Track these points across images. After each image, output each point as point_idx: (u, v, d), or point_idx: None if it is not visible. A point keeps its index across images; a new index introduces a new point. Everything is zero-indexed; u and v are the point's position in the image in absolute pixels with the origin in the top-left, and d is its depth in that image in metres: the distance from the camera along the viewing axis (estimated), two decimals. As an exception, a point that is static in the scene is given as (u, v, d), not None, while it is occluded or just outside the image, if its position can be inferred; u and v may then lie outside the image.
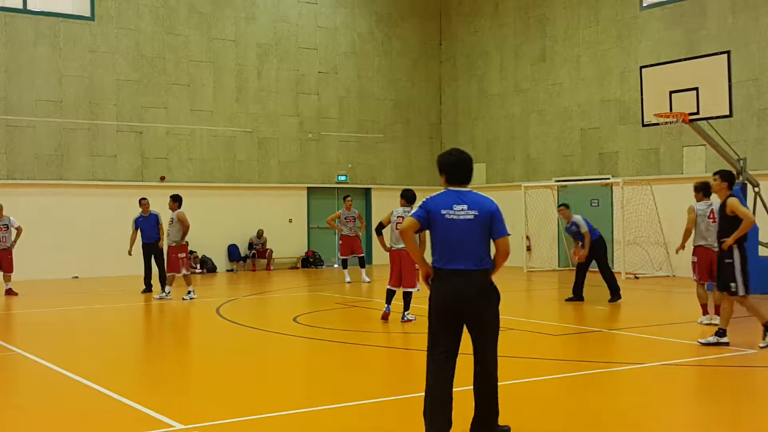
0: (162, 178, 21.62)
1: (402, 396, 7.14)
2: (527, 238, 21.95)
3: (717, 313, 11.00)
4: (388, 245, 11.79)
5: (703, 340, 9.37)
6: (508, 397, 6.05)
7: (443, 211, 5.32)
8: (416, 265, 11.41)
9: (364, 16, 25.17)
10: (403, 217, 11.44)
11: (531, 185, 22.12)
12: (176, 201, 14.97)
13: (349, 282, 18.01)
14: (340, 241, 18.68)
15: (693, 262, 11.01)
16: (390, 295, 11.72)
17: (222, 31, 22.77)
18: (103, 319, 12.95)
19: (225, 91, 22.80)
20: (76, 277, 20.24)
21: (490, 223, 5.35)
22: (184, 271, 14.87)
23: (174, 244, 14.81)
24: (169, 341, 11.16)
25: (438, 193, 5.46)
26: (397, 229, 11.54)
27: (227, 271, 22.50)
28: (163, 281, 15.60)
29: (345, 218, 18.25)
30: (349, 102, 24.80)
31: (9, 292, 15.87)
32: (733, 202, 9.18)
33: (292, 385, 7.82)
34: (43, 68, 20.36)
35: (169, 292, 14.96)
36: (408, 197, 11.56)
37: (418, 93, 26.04)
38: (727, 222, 9.19)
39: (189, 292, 14.84)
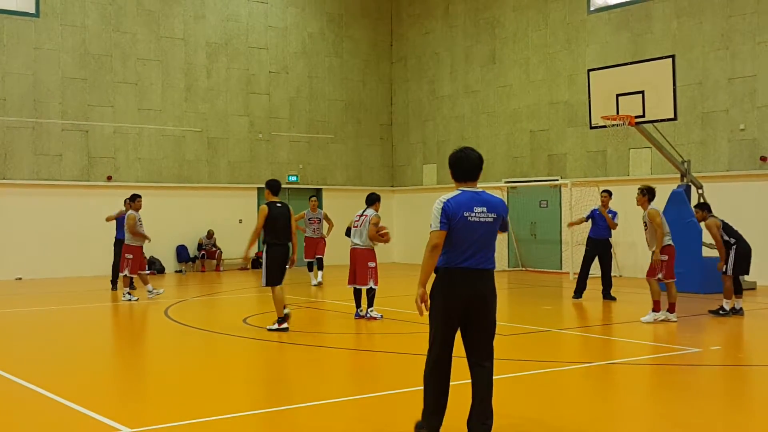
0: (109, 178, 21.25)
1: (353, 397, 7.13)
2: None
3: (670, 310, 11.32)
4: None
5: (270, 327, 10.62)
6: (455, 396, 6.09)
7: (465, 214, 5.39)
8: (371, 264, 11.58)
9: (315, 16, 25.10)
10: (358, 218, 11.85)
11: (481, 186, 22.28)
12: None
13: (316, 284, 17.29)
14: (304, 244, 17.66)
15: (663, 260, 11.28)
16: (355, 295, 11.92)
17: (170, 30, 22.48)
18: (48, 322, 12.67)
19: (174, 90, 22.51)
20: (20, 279, 19.78)
21: (501, 222, 5.60)
22: (126, 273, 14.92)
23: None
24: (115, 343, 10.97)
25: (453, 194, 5.50)
26: (354, 227, 11.82)
27: (176, 272, 22.22)
28: None
29: (309, 219, 17.41)
30: (300, 102, 24.71)
31: None
32: (261, 209, 10.66)
33: (241, 387, 7.75)
34: (-15, 65, 19.86)
35: (130, 293, 14.98)
36: (367, 199, 11.97)
37: (369, 94, 26.07)
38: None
39: (128, 293, 14.90)
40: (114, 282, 16.67)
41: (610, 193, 14.47)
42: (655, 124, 15.60)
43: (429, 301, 5.45)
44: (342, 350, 9.81)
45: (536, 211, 22.00)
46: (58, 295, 16.05)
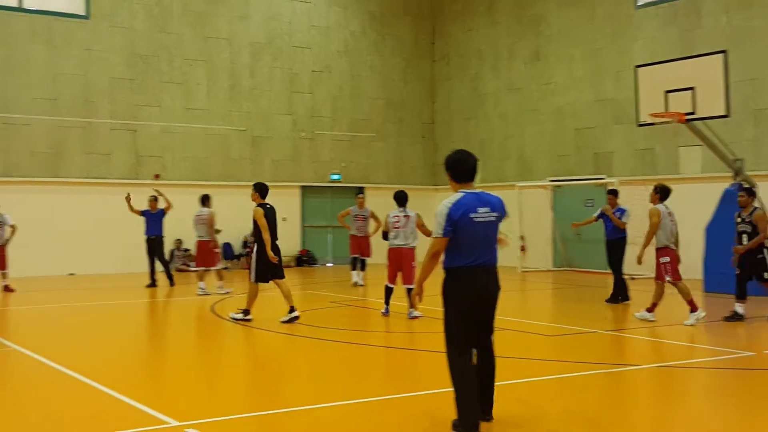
0: (156, 176, 21.56)
1: (398, 395, 7.11)
2: (522, 238, 21.94)
3: (650, 309, 11.37)
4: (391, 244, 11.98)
5: (234, 315, 11.54)
6: (501, 397, 6.06)
7: (471, 215, 5.64)
8: (413, 263, 11.73)
9: (357, 15, 25.14)
10: (398, 217, 11.81)
11: (525, 185, 22.13)
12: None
13: (357, 284, 16.80)
14: (349, 241, 17.19)
15: (665, 262, 11.16)
16: (388, 293, 11.91)
17: (216, 30, 22.72)
18: (99, 316, 12.90)
19: (219, 90, 22.76)
20: (72, 274, 20.18)
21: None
22: (220, 266, 16.02)
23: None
24: (163, 338, 11.12)
25: (456, 197, 5.72)
26: (396, 228, 11.79)
27: (222, 269, 22.39)
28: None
29: (354, 216, 16.85)
30: (342, 101, 24.78)
31: (6, 289, 15.89)
32: (256, 212, 11.45)
33: (285, 383, 7.79)
34: (39, 66, 20.31)
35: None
36: (399, 198, 11.93)
37: (411, 92, 26.03)
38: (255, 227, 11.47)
39: (220, 287, 15.67)
40: (153, 278, 16.76)
41: (615, 194, 14.09)
42: (706, 121, 15.27)
43: (423, 295, 5.94)
44: (385, 348, 9.80)
45: (582, 210, 21.66)
46: (108, 291, 16.34)
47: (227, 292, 15.25)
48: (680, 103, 14.90)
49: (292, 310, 11.24)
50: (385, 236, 12.08)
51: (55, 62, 20.52)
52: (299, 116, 24.01)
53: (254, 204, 11.66)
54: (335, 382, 7.69)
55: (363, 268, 17.28)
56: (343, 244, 19.50)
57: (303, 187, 24.14)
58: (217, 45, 22.74)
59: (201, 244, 15.64)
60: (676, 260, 11.20)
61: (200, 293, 15.07)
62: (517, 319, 11.44)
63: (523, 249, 22.01)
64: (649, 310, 11.33)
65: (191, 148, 22.30)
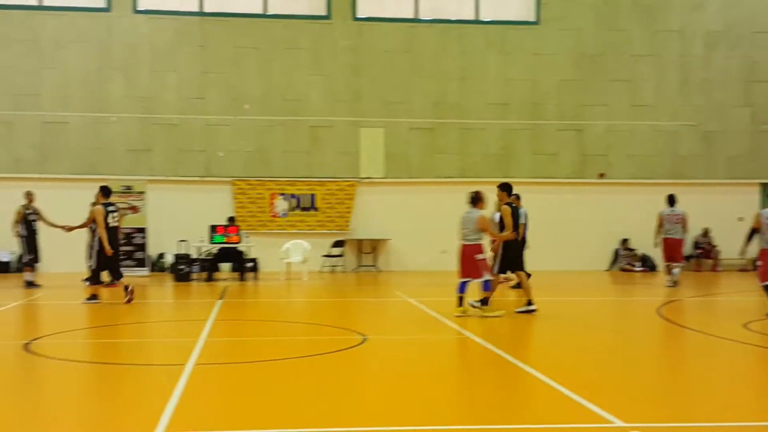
0: (601, 175, 21.59)
1: None
2: None
3: None
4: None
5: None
6: None
7: None
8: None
9: (834, -11, 22.15)
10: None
11: None
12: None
13: None
14: None
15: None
16: None
17: (666, 23, 21.95)
18: (551, 312, 13.28)
19: (667, 85, 21.96)
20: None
21: None
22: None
23: None
24: (607, 337, 11.03)
25: None
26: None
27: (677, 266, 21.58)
28: None
29: None
30: (814, 87, 22.05)
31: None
32: (504, 210, 12.08)
33: (736, 396, 7.13)
34: (492, 73, 21.78)
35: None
36: None
37: None
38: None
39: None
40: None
41: None
42: None
43: None
44: None
45: None
46: (558, 287, 16.75)
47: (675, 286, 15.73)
48: None
49: (530, 303, 12.18)
50: (751, 235, 12.10)
51: (506, 68, 21.77)
52: (760, 107, 22.00)
53: (501, 203, 12.39)
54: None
55: None
56: None
57: (763, 184, 22.05)
58: (667, 38, 21.94)
59: (673, 242, 16.20)
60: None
61: (669, 284, 16.01)
62: None
63: None
64: None
65: (637, 145, 21.88)
